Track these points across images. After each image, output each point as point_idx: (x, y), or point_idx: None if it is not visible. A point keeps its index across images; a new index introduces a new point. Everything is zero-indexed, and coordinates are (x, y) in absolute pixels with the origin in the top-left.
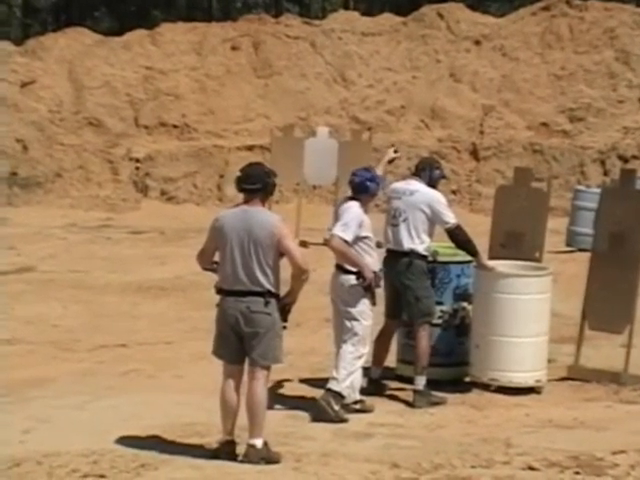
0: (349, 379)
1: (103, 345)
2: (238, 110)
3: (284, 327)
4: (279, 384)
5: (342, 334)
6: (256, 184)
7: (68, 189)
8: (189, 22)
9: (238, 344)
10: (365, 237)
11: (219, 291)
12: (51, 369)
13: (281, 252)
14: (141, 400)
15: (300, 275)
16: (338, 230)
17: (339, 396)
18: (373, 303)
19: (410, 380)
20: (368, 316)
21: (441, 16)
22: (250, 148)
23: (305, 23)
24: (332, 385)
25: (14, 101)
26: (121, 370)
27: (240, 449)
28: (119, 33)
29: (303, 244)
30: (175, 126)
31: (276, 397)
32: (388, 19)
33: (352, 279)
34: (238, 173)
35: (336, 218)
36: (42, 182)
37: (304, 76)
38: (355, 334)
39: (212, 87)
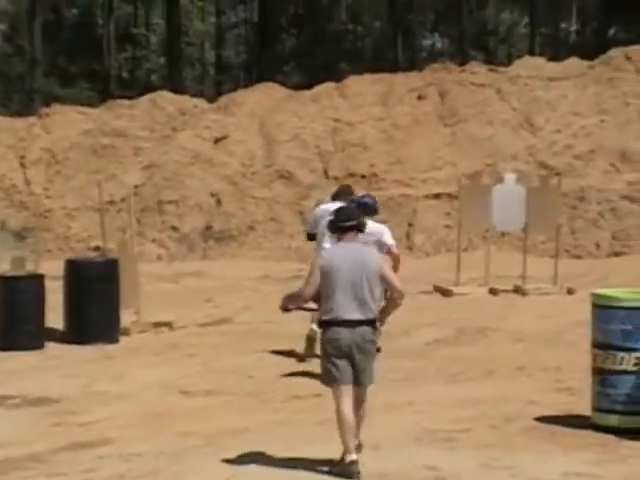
0: None
1: (298, 395)
2: (425, 159)
3: (378, 350)
4: None
5: None
6: (352, 221)
7: (261, 241)
8: (375, 73)
9: (350, 367)
10: None
11: (327, 323)
12: (247, 419)
13: None
14: (336, 449)
15: (399, 298)
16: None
17: None
18: None
19: (605, 429)
20: None
21: (629, 59)
22: (437, 196)
23: (491, 70)
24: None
25: (208, 156)
26: (317, 420)
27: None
28: (308, 87)
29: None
30: (363, 176)
31: None
32: (575, 63)
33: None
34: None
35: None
36: (236, 235)
37: (490, 123)
38: None
39: (399, 137)
